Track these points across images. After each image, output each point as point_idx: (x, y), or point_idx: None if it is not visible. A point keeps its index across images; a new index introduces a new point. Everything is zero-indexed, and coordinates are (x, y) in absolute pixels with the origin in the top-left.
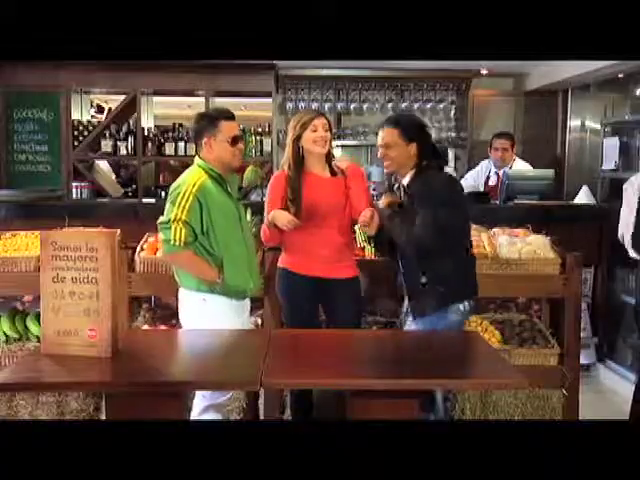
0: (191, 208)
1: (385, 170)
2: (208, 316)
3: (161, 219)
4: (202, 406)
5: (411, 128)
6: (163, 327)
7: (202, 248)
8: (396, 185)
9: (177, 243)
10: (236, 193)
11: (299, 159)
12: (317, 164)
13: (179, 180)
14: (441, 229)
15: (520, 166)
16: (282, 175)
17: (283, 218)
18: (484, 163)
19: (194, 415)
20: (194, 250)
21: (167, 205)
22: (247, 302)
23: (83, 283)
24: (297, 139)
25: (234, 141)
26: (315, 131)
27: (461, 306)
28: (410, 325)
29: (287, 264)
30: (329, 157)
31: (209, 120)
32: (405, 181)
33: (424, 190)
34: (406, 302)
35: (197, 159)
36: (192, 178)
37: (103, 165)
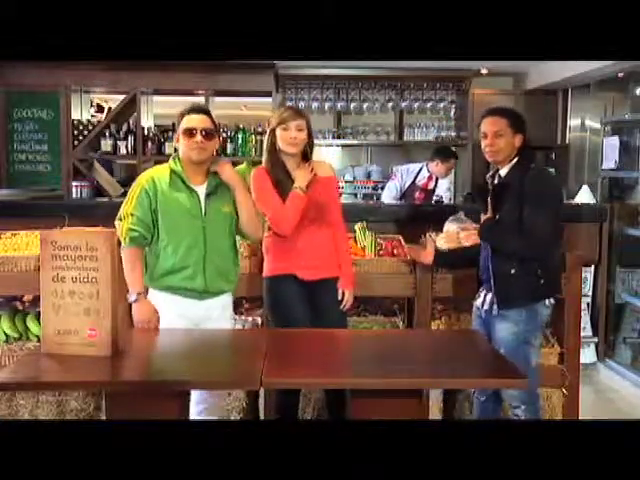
0: (137, 200)
1: (489, 159)
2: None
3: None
4: (196, 409)
5: (518, 120)
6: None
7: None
8: (489, 174)
9: (122, 238)
10: (212, 189)
11: (275, 154)
12: (291, 163)
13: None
14: (552, 226)
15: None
16: (264, 171)
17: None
18: (407, 168)
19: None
20: (142, 244)
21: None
22: (215, 301)
23: (83, 283)
24: (272, 132)
25: (188, 133)
26: (287, 130)
27: (551, 300)
28: (489, 317)
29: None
30: (306, 158)
31: (178, 118)
32: (503, 171)
33: (534, 188)
34: (485, 293)
35: (173, 156)
36: (149, 172)
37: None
